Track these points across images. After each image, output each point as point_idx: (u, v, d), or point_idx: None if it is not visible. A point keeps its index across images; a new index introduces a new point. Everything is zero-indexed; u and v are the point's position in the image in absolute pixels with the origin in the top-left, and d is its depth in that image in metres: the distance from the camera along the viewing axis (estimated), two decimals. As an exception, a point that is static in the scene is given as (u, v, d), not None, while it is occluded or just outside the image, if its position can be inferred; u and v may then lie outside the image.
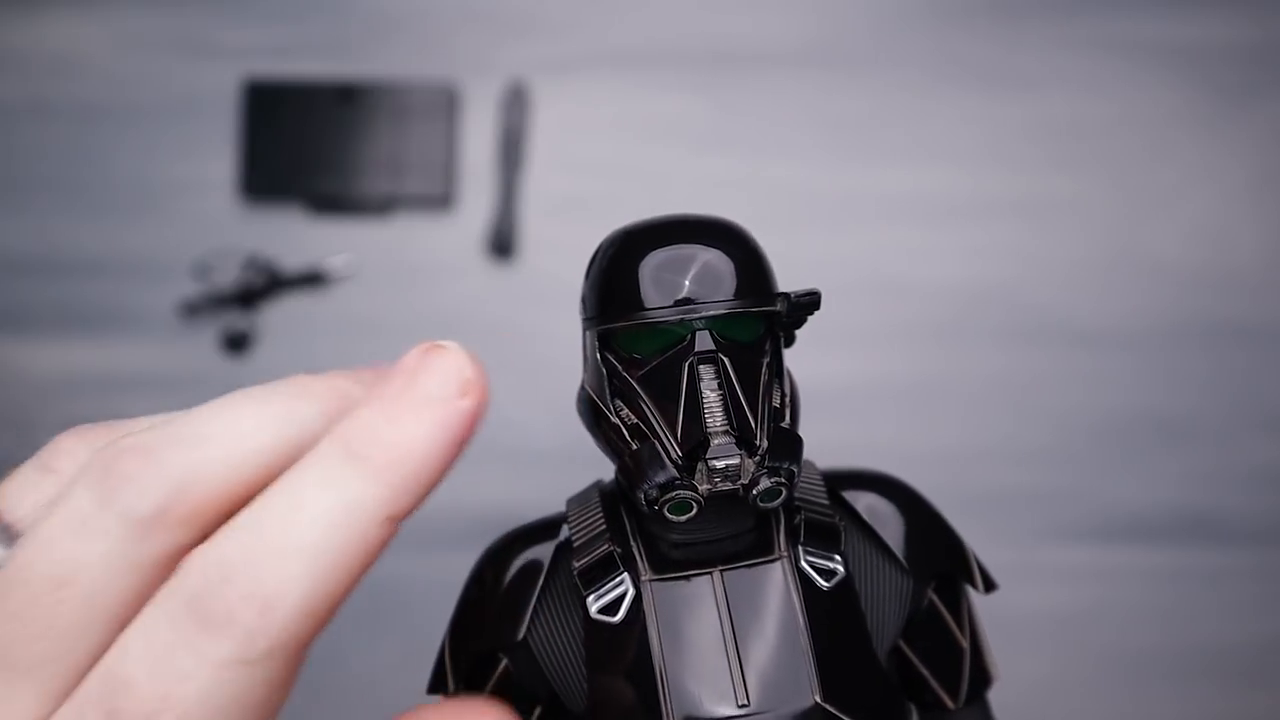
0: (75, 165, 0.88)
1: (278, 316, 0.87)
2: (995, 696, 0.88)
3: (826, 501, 0.30)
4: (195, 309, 0.86)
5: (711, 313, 0.27)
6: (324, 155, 0.86)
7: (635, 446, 0.27)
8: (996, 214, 0.87)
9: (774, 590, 0.28)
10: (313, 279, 0.86)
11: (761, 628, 0.27)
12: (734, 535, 0.28)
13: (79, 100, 0.88)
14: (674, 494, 0.26)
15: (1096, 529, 0.86)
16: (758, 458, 0.27)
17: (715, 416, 0.27)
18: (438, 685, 0.31)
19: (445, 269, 0.86)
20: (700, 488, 0.26)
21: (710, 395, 0.27)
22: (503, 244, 0.85)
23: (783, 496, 0.27)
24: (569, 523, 0.30)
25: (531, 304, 0.85)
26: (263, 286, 0.86)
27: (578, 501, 0.31)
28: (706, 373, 0.27)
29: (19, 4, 0.88)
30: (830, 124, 0.88)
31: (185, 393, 0.88)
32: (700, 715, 0.27)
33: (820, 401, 0.87)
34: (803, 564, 0.28)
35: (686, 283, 0.28)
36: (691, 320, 0.27)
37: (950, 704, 0.32)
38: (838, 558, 0.29)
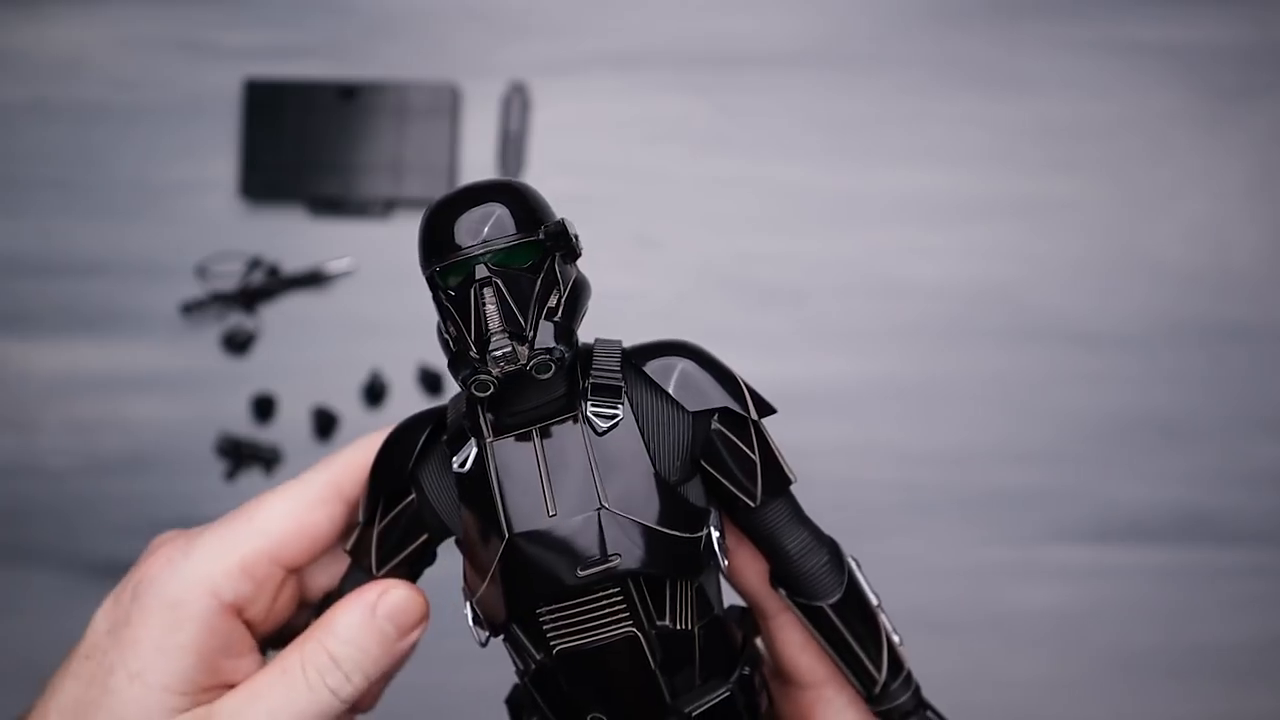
0: (76, 166, 0.88)
1: (278, 316, 0.87)
2: (996, 696, 0.89)
3: (617, 369, 0.40)
4: (195, 308, 0.86)
5: (478, 250, 0.38)
6: (324, 157, 0.87)
7: (454, 350, 0.39)
8: (996, 214, 0.87)
9: (572, 437, 0.39)
10: (313, 279, 0.86)
11: (564, 463, 0.39)
12: (547, 403, 0.40)
13: (80, 101, 0.88)
14: (475, 378, 0.38)
15: (1097, 529, 0.86)
16: (526, 345, 0.38)
17: (494, 321, 0.38)
18: (363, 513, 0.43)
19: (446, 269, 0.86)
20: (492, 371, 0.38)
21: (490, 308, 0.38)
22: (503, 244, 0.85)
23: (552, 370, 0.38)
24: (447, 411, 0.42)
25: (532, 304, 0.85)
26: (263, 287, 0.86)
27: (454, 399, 0.43)
28: (486, 294, 0.38)
29: (20, 5, 0.89)
30: (830, 124, 0.88)
31: (187, 393, 0.88)
32: (527, 528, 0.39)
33: (820, 401, 0.87)
34: (588, 413, 0.40)
35: (468, 233, 0.39)
36: (469, 259, 0.38)
37: (750, 503, 0.41)
38: (618, 406, 0.40)
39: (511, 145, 0.86)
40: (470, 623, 0.41)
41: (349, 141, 0.86)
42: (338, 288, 0.87)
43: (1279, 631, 0.85)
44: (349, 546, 0.43)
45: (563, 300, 0.39)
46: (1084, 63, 0.88)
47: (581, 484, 0.39)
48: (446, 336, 0.39)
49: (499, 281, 0.38)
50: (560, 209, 0.42)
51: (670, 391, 0.40)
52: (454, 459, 0.40)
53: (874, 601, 0.43)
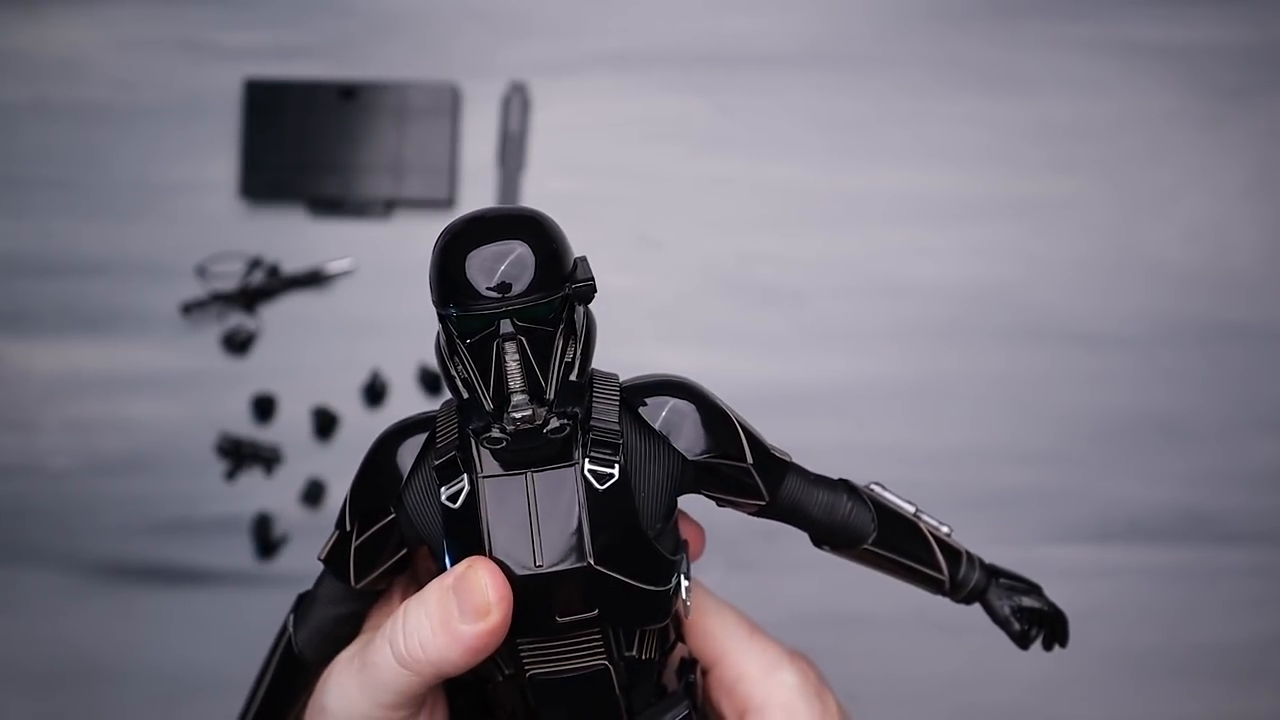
0: (77, 166, 0.88)
1: (278, 316, 0.87)
2: (998, 698, 0.89)
3: (614, 419, 0.40)
4: (195, 308, 0.86)
5: (502, 307, 0.37)
6: (324, 157, 0.86)
7: (465, 396, 0.39)
8: (996, 214, 0.87)
9: (566, 487, 0.39)
10: (313, 279, 0.86)
11: (555, 512, 0.39)
12: (544, 446, 0.39)
13: (80, 101, 0.88)
14: (486, 434, 0.38)
15: (1097, 529, 0.86)
16: (546, 406, 0.38)
17: (515, 380, 0.37)
18: (340, 523, 0.43)
19: (446, 269, 0.86)
20: (507, 429, 0.38)
21: (512, 365, 0.37)
22: (503, 244, 0.85)
23: (567, 431, 0.38)
24: (437, 424, 0.42)
25: (532, 304, 0.85)
26: (263, 287, 0.86)
27: (445, 409, 0.42)
28: (509, 349, 0.37)
29: (20, 5, 0.89)
30: (830, 124, 0.88)
31: (187, 393, 0.88)
32: (512, 573, 0.39)
33: (820, 401, 0.87)
34: (586, 470, 0.39)
35: (494, 282, 0.37)
36: (493, 313, 0.37)
37: (763, 503, 0.43)
38: (615, 464, 0.40)
39: (511, 145, 0.86)
40: None
41: (349, 141, 0.86)
42: (338, 288, 0.87)
43: (1279, 631, 0.85)
44: (324, 555, 0.43)
45: (578, 353, 0.39)
46: (1084, 63, 0.88)
47: (570, 535, 0.39)
48: (453, 374, 0.39)
49: (523, 339, 0.37)
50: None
51: (664, 434, 0.41)
52: (442, 490, 0.40)
53: (910, 511, 0.46)
